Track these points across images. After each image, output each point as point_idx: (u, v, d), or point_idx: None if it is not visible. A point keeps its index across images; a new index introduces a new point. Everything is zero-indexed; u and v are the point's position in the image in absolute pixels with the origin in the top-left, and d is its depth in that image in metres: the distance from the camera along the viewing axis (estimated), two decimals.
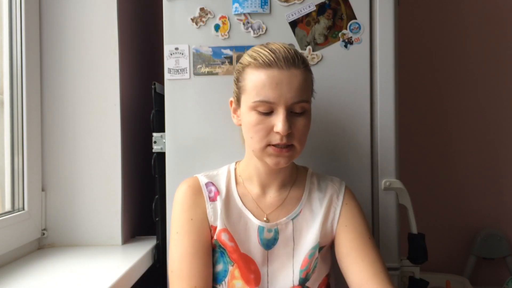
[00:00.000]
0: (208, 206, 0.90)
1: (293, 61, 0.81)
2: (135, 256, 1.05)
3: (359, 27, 1.07)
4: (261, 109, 0.81)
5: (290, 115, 0.82)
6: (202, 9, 1.09)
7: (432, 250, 1.16)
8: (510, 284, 1.64)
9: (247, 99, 0.83)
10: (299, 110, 0.82)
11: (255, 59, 0.83)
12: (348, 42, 1.07)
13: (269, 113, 0.82)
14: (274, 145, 0.82)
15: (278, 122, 0.80)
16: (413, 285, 1.11)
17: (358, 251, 0.87)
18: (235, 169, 0.96)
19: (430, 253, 1.11)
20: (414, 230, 1.11)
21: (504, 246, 1.69)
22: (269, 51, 0.82)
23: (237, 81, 0.88)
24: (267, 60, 0.81)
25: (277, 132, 0.81)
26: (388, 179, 1.09)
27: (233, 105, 0.91)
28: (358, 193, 0.99)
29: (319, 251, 0.90)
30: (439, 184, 1.75)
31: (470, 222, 1.75)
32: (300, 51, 1.01)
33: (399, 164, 1.10)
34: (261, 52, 0.83)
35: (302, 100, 0.82)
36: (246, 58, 0.86)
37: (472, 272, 1.71)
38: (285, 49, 0.82)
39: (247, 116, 0.84)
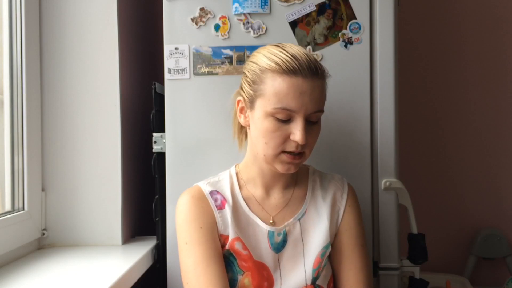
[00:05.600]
0: (217, 215, 0.88)
1: (316, 70, 0.80)
2: (135, 256, 1.05)
3: (359, 27, 1.07)
4: (280, 116, 0.80)
5: (306, 123, 0.81)
6: (202, 9, 1.09)
7: (432, 250, 1.16)
8: (510, 284, 1.64)
9: (266, 105, 0.81)
10: (314, 119, 0.83)
11: (276, 63, 0.79)
12: (348, 42, 1.07)
13: (287, 120, 0.81)
14: (288, 152, 0.82)
15: (297, 131, 0.79)
16: (413, 285, 1.11)
17: (349, 258, 0.91)
18: (237, 173, 0.95)
19: (430, 253, 1.11)
20: (414, 230, 1.12)
21: (504, 246, 1.69)
22: (291, 57, 0.79)
23: (253, 83, 0.83)
24: (291, 67, 0.78)
25: (294, 141, 0.80)
26: (388, 179, 1.09)
27: (241, 104, 0.88)
28: (358, 193, 0.98)
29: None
30: (439, 184, 1.75)
31: (470, 222, 1.75)
32: None
33: (399, 164, 1.10)
34: (282, 57, 0.80)
35: (320, 110, 0.82)
36: (263, 60, 0.82)
37: (472, 272, 1.71)
38: (306, 56, 0.80)
39: (263, 122, 0.82)
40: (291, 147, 0.81)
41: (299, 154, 0.83)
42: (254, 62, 0.85)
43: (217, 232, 0.87)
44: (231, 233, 0.87)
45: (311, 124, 0.83)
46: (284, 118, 0.80)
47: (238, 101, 0.89)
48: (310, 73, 0.79)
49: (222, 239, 0.88)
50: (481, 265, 1.74)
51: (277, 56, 0.80)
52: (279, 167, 0.84)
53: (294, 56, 0.79)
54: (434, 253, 1.27)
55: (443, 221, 1.75)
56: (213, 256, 0.84)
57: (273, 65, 0.80)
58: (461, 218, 1.75)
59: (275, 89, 0.79)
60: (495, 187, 1.74)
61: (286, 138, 0.81)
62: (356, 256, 0.91)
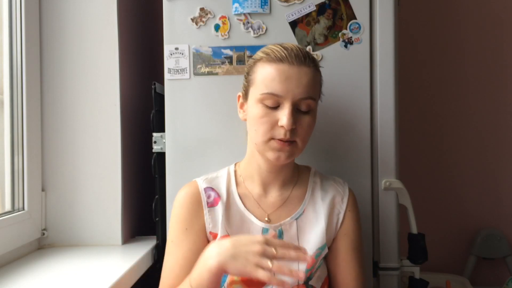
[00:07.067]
0: (206, 213, 0.90)
1: (304, 59, 0.83)
2: (135, 256, 1.05)
3: (359, 27, 1.07)
4: (268, 102, 0.83)
5: (296, 111, 0.83)
6: (202, 9, 1.09)
7: (432, 250, 1.16)
8: (510, 284, 1.64)
9: (255, 92, 0.85)
10: (305, 108, 0.84)
11: (267, 54, 0.85)
12: (348, 42, 1.07)
13: (275, 107, 0.83)
14: (277, 139, 0.83)
15: (283, 116, 0.81)
16: (413, 285, 1.11)
17: (348, 263, 0.92)
18: (235, 170, 0.95)
19: (430, 253, 1.11)
20: (414, 230, 1.12)
21: (504, 246, 1.69)
22: (282, 48, 0.84)
23: (247, 75, 0.89)
24: (278, 55, 0.83)
25: (281, 126, 0.81)
26: (388, 179, 1.09)
27: (241, 99, 0.92)
28: (358, 193, 0.99)
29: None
30: (439, 184, 1.75)
31: (470, 222, 1.75)
32: None
33: (399, 164, 1.10)
34: (273, 48, 0.85)
35: (309, 97, 0.83)
36: (258, 53, 0.88)
37: (472, 272, 1.71)
38: (297, 48, 0.85)
39: (253, 109, 0.85)
40: (279, 134, 0.82)
41: (289, 141, 0.83)
42: (251, 58, 0.90)
43: (205, 233, 0.89)
44: (220, 231, 0.88)
45: (302, 113, 0.84)
46: (272, 105, 0.83)
47: (238, 96, 0.93)
48: (297, 60, 0.82)
49: (211, 237, 0.89)
50: (481, 265, 1.74)
51: (269, 48, 0.87)
52: (270, 155, 0.85)
53: (284, 47, 0.85)
54: (434, 253, 1.27)
55: (443, 221, 1.75)
56: (191, 260, 0.85)
57: (263, 55, 0.86)
58: (461, 218, 1.75)
59: (263, 75, 0.84)
60: (495, 187, 1.74)
61: (274, 125, 0.83)
62: (354, 261, 0.92)
